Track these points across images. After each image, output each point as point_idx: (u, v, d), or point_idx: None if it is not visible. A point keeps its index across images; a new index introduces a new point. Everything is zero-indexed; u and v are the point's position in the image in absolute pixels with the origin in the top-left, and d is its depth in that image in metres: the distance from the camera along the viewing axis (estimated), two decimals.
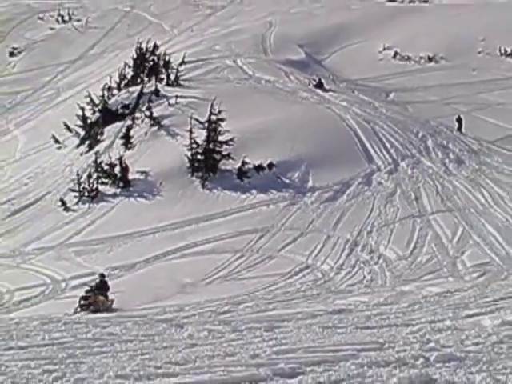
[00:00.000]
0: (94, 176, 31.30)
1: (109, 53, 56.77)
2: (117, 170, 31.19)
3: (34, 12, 68.86)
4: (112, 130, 36.31)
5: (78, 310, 20.76)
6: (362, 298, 14.82)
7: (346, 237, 24.50)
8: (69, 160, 35.33)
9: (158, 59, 43.37)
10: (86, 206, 30.22)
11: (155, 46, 45.38)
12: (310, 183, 29.81)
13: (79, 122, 37.85)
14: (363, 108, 38.06)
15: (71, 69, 55.81)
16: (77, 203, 30.48)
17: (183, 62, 43.42)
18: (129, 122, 35.88)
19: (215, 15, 65.14)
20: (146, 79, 41.28)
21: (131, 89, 40.19)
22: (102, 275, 22.08)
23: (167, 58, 43.18)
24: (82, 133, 37.34)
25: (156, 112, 36.36)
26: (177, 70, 41.76)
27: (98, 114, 38.15)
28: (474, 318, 10.50)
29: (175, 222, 27.37)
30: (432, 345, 8.75)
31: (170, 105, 37.20)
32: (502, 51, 48.03)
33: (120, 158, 31.78)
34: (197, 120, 32.44)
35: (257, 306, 15.07)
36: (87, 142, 36.29)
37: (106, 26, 64.54)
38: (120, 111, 37.78)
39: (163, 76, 41.20)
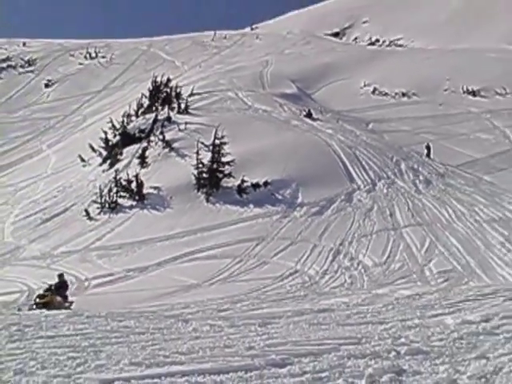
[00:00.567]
0: (114, 190, 31.32)
1: (129, 85, 56.91)
2: (133, 185, 31.21)
3: (66, 50, 69.08)
4: (130, 151, 36.35)
5: (34, 307, 19.27)
6: (343, 299, 14.71)
7: (330, 246, 24.42)
8: (92, 176, 35.33)
9: (171, 91, 43.42)
10: (107, 216, 30.20)
11: (168, 80, 45.52)
12: (300, 199, 29.77)
13: (102, 144, 37.90)
14: (346, 135, 38.11)
15: (96, 98, 55.93)
16: (99, 213, 30.47)
17: (192, 94, 43.57)
18: (144, 145, 35.94)
19: (220, 54, 65.47)
20: (160, 108, 41.31)
21: (147, 116, 40.25)
22: (61, 275, 21.12)
23: (178, 90, 43.30)
24: (104, 153, 37.36)
25: (168, 136, 36.44)
26: (186, 100, 41.87)
27: (118, 137, 38.21)
28: (438, 317, 10.43)
29: (183, 231, 27.31)
30: (402, 340, 8.67)
31: (180, 130, 37.25)
32: (465, 90, 48.21)
33: (136, 175, 31.79)
34: (203, 143, 32.51)
35: (252, 305, 14.97)
36: (108, 161, 36.31)
37: (127, 62, 64.77)
38: (137, 135, 37.86)
39: (175, 105, 41.27)
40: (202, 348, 8.35)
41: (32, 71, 63.06)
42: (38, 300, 19.80)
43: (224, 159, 31.45)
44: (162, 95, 43.35)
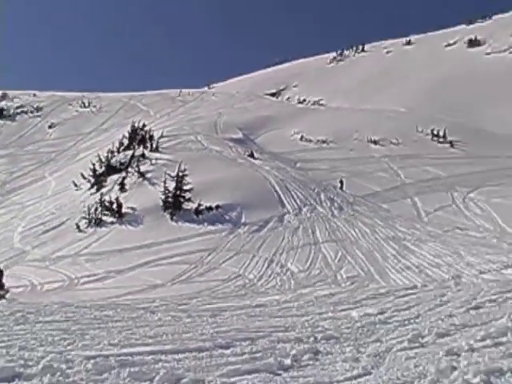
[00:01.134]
0: (99, 209, 31.11)
1: (113, 128, 56.67)
2: (114, 206, 31.04)
3: (66, 100, 68.90)
4: (112, 179, 36.21)
5: None
6: (274, 297, 14.75)
7: (266, 256, 24.46)
8: (83, 198, 35.12)
9: (145, 134, 43.34)
10: (93, 229, 29.99)
11: (143, 125, 45.42)
12: (243, 220, 29.80)
13: (91, 173, 37.67)
14: (279, 171, 38.32)
15: (87, 138, 55.64)
16: (87, 227, 30.25)
17: (162, 136, 43.51)
18: (124, 174, 35.78)
19: (184, 106, 65.50)
20: (136, 146, 41.17)
21: (126, 152, 40.14)
22: None
23: (151, 133, 43.29)
24: (93, 180, 37.15)
25: (142, 168, 36.35)
26: (157, 141, 41.80)
27: (103, 168, 38.08)
28: (346, 311, 10.52)
29: (152, 242, 27.16)
30: (319, 328, 8.73)
31: (151, 164, 37.19)
32: (369, 139, 48.81)
33: (117, 198, 31.67)
34: (169, 175, 32.43)
35: (205, 301, 14.92)
36: (95, 187, 36.14)
37: (112, 111, 64.51)
38: (118, 167, 37.74)
39: (148, 145, 41.17)
40: (165, 333, 8.35)
41: (39, 116, 62.88)
42: None
43: (185, 187, 31.43)
44: (138, 137, 43.26)
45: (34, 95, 70.80)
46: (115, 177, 36.23)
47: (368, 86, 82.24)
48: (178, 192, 31.19)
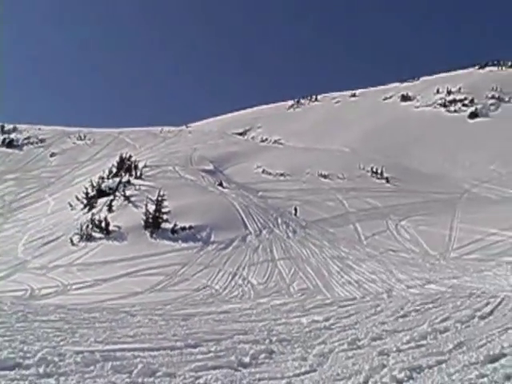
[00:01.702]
0: (90, 227, 30.72)
1: (104, 158, 56.21)
2: (103, 224, 30.64)
3: (65, 134, 68.30)
4: (102, 201, 35.84)
5: None
6: (237, 305, 14.70)
7: (230, 270, 24.39)
8: (76, 216, 34.72)
9: (131, 163, 43.10)
10: (84, 243, 29.59)
11: (130, 156, 45.21)
12: (212, 239, 29.70)
13: (84, 196, 37.21)
14: (244, 199, 38.37)
15: (82, 166, 55.09)
16: (79, 241, 29.84)
17: (145, 166, 43.32)
18: (112, 198, 35.45)
19: (165, 142, 65.37)
20: (123, 174, 40.87)
21: (115, 179, 39.81)
22: None
23: (136, 163, 43.01)
24: (85, 202, 36.69)
25: (127, 193, 36.05)
26: (141, 170, 41.58)
27: (95, 192, 37.65)
28: (297, 318, 10.56)
29: (133, 256, 26.91)
30: (274, 332, 8.75)
31: (135, 189, 36.92)
32: (319, 174, 49.20)
33: (105, 218, 31.31)
34: (150, 199, 32.33)
35: (177, 307, 14.82)
36: (87, 207, 35.72)
37: (104, 144, 64.08)
38: (107, 191, 37.42)
39: (133, 173, 40.88)
40: (143, 333, 8.31)
41: (43, 146, 62.47)
42: None
43: (163, 210, 31.25)
44: (125, 166, 42.99)
45: (39, 129, 70.44)
46: (104, 199, 35.90)
47: (319, 130, 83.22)
48: (157, 214, 31.01)
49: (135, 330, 8.56)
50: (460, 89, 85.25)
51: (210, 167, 49.18)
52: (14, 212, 41.91)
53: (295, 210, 37.38)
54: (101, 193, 37.43)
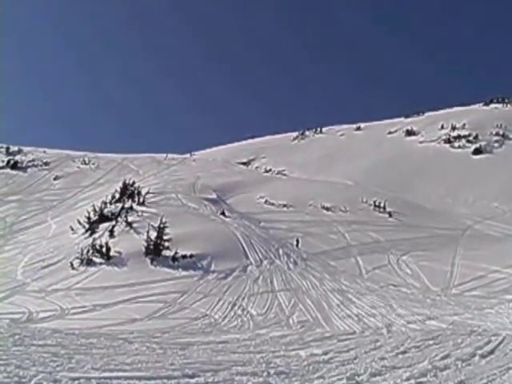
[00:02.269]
0: (91, 251, 30.69)
1: (107, 183, 56.34)
2: (104, 249, 30.61)
3: (70, 158, 68.60)
4: (104, 226, 35.83)
5: None
6: (235, 336, 14.60)
7: (230, 300, 24.26)
8: (77, 241, 34.66)
9: (134, 190, 43.17)
10: (84, 268, 29.52)
11: (133, 182, 45.30)
12: (212, 268, 29.59)
13: (86, 220, 37.20)
14: (245, 228, 38.33)
15: (85, 190, 55.18)
16: (79, 266, 29.77)
17: (148, 193, 43.40)
18: (113, 223, 35.47)
19: (169, 169, 65.53)
20: (126, 200, 40.95)
21: (117, 204, 39.90)
22: None
23: (139, 190, 43.09)
24: (87, 226, 36.69)
25: (130, 219, 36.08)
26: (144, 196, 41.67)
27: (97, 217, 37.66)
28: (296, 350, 10.48)
29: (133, 282, 26.80)
30: (272, 365, 8.68)
31: (138, 216, 36.96)
32: (322, 206, 49.23)
33: (106, 243, 31.29)
34: (152, 226, 32.27)
35: (176, 335, 14.73)
36: (89, 232, 35.69)
37: (108, 169, 64.31)
38: (109, 216, 37.46)
39: (136, 199, 40.97)
40: (140, 361, 8.25)
41: (47, 169, 62.72)
42: None
43: (165, 237, 31.21)
44: (128, 192, 43.07)
45: (44, 152, 70.81)
46: (106, 224, 35.89)
47: (323, 162, 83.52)
48: (159, 241, 30.96)
49: (132, 358, 8.51)
50: (464, 125, 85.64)
51: (213, 196, 49.22)
52: (15, 234, 41.88)
53: (297, 241, 37.31)
54: (103, 218, 37.43)
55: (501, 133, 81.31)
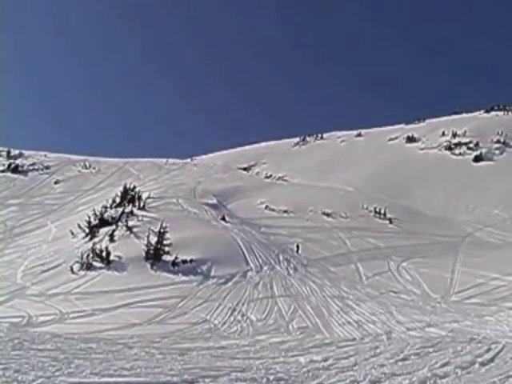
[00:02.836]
0: (91, 256, 30.66)
1: (108, 187, 56.34)
2: (104, 253, 30.59)
3: (71, 162, 68.66)
4: (104, 230, 35.79)
5: None
6: (235, 341, 14.58)
7: (229, 305, 24.23)
8: (77, 245, 34.60)
9: (135, 194, 43.15)
10: (84, 272, 29.47)
11: (134, 187, 45.25)
12: (212, 273, 29.57)
13: (86, 224, 37.17)
14: (246, 234, 38.32)
15: (86, 194, 55.20)
16: (79, 270, 29.73)
17: (148, 197, 43.42)
18: (114, 227, 35.44)
19: (169, 174, 65.69)
20: (126, 204, 40.90)
21: (117, 209, 39.85)
22: None
23: (140, 194, 43.08)
24: (87, 230, 36.64)
25: (130, 223, 36.06)
26: (144, 201, 41.65)
27: (97, 221, 37.60)
28: (295, 357, 10.46)
29: (133, 287, 26.77)
30: (272, 371, 8.66)
31: (138, 220, 36.94)
32: (322, 212, 49.23)
33: (106, 247, 31.27)
34: (152, 230, 32.28)
35: (175, 340, 14.70)
36: (89, 236, 35.65)
37: (108, 173, 64.31)
38: (110, 221, 37.40)
39: (136, 204, 40.93)
40: (140, 367, 8.23)
41: (47, 173, 62.73)
42: None
43: (165, 242, 31.21)
44: (129, 196, 43.04)
45: (45, 155, 70.89)
46: (106, 229, 35.86)
47: (324, 168, 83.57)
48: (159, 245, 30.95)
49: (132, 363, 8.50)
50: (465, 132, 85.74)
51: (214, 201, 49.23)
52: (16, 237, 41.87)
53: (297, 247, 37.30)
54: (103, 222, 37.40)
55: (502, 140, 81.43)
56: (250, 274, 30.28)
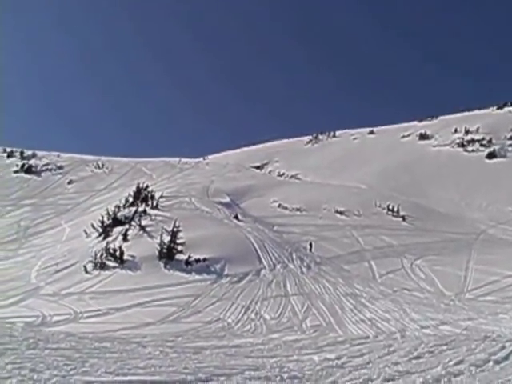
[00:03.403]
0: (104, 255, 30.84)
1: (121, 187, 56.59)
2: (117, 253, 30.75)
3: (84, 162, 68.99)
4: (117, 230, 35.99)
5: None
6: (249, 340, 14.59)
7: (243, 304, 24.27)
8: (91, 244, 34.81)
9: (148, 193, 43.29)
10: (98, 272, 29.65)
11: (147, 186, 45.40)
12: (226, 272, 29.64)
13: (99, 224, 37.39)
14: (259, 232, 38.33)
15: (99, 194, 55.47)
16: (93, 270, 29.91)
17: (161, 197, 43.49)
18: (127, 227, 35.61)
19: (182, 173, 65.72)
20: (139, 204, 41.06)
21: (131, 208, 40.02)
22: None
23: (153, 193, 43.20)
24: (100, 230, 36.86)
25: (143, 223, 36.24)
26: (157, 200, 41.75)
27: (110, 221, 37.80)
28: (309, 355, 10.44)
29: (147, 286, 26.90)
30: (285, 369, 8.65)
31: (151, 220, 37.12)
32: (336, 210, 49.07)
33: (120, 247, 31.45)
34: (165, 229, 32.38)
35: (189, 339, 14.73)
36: (102, 236, 35.86)
37: (121, 173, 64.58)
38: (123, 220, 37.58)
39: (149, 203, 41.08)
40: (154, 365, 8.25)
41: (61, 173, 63.08)
42: None
43: (178, 241, 31.35)
44: (141, 196, 43.19)
45: (58, 156, 71.25)
46: (120, 228, 36.04)
47: (337, 166, 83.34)
48: (172, 245, 31.08)
49: (146, 362, 8.53)
50: (478, 129, 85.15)
51: (227, 200, 49.26)
52: (30, 238, 42.19)
53: (310, 245, 37.25)
54: (116, 222, 37.58)
55: None
56: (263, 272, 30.30)
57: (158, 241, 31.24)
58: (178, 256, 30.72)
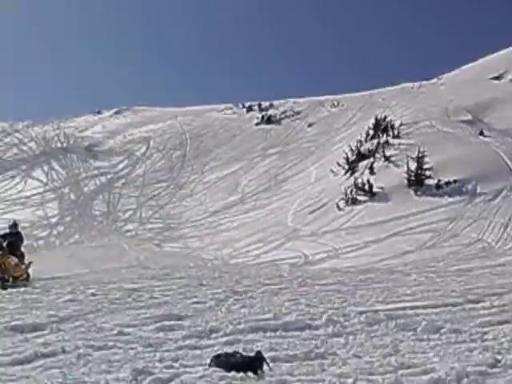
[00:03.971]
0: (354, 190, 31.56)
1: (358, 123, 56.51)
2: (366, 186, 31.31)
3: (319, 103, 70.02)
4: (363, 164, 36.36)
5: None
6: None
7: (501, 221, 23.39)
8: (340, 182, 35.67)
9: (387, 124, 42.61)
10: (350, 207, 30.48)
11: (385, 117, 44.66)
12: (478, 191, 28.41)
13: (344, 161, 38.15)
14: (508, 146, 35.48)
15: (339, 132, 55.69)
16: (344, 206, 30.84)
17: (401, 125, 42.09)
18: (372, 160, 35.90)
19: (418, 97, 63.20)
20: (380, 135, 40.69)
21: (372, 141, 39.93)
22: (14, 225, 13.64)
23: (392, 123, 42.37)
24: (346, 167, 37.55)
25: (387, 153, 36.07)
26: (398, 129, 40.76)
27: (354, 156, 38.29)
28: None
29: (400, 215, 27.11)
30: None
31: (394, 149, 36.84)
32: None
33: (368, 180, 31.96)
34: (410, 157, 31.93)
35: (450, 263, 14.50)
36: (349, 172, 36.52)
37: (356, 108, 64.24)
38: (367, 154, 37.80)
39: (390, 133, 40.56)
40: (421, 291, 8.37)
41: (299, 118, 65.10)
42: None
43: (425, 166, 30.82)
44: (381, 127, 42.82)
45: (294, 102, 73.20)
46: (365, 162, 36.35)
47: None
48: (419, 171, 30.68)
49: (413, 289, 8.70)
50: None
51: (468, 117, 46.41)
52: (280, 184, 44.52)
53: None
54: (360, 156, 37.97)
55: None
56: None
57: (405, 169, 31.00)
58: (427, 181, 30.20)
